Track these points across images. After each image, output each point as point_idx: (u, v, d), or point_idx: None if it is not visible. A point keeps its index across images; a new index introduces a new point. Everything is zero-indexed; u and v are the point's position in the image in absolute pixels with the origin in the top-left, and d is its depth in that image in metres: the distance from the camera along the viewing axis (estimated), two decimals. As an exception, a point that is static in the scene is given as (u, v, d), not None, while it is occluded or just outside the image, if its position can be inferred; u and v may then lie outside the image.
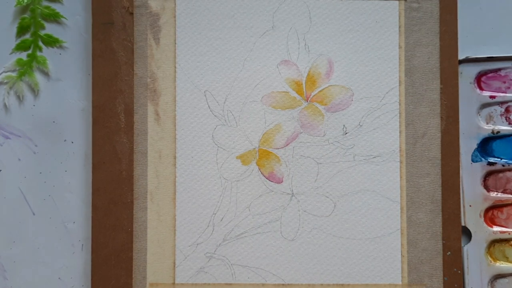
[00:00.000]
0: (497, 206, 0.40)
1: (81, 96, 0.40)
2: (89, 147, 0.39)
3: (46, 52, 0.40)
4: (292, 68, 0.39)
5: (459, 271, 0.38)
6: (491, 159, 0.40)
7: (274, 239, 0.39)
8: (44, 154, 0.40)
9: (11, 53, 0.40)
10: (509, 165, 0.40)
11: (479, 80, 0.40)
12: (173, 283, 0.38)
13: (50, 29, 0.40)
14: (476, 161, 0.40)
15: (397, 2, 0.39)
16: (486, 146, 0.40)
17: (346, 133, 0.39)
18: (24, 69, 0.40)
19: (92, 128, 0.39)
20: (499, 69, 0.40)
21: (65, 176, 0.40)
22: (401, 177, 0.39)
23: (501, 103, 0.40)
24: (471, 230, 0.39)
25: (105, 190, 0.38)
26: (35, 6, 0.40)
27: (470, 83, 0.40)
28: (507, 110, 0.40)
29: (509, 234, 0.39)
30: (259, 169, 0.39)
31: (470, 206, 0.39)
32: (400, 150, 0.39)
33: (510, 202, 0.40)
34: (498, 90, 0.40)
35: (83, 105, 0.40)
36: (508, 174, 0.40)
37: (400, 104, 0.39)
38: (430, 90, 0.39)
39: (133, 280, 0.38)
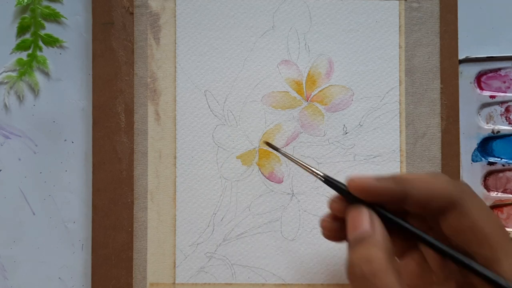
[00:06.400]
0: (497, 206, 0.40)
1: (81, 96, 0.40)
2: (89, 147, 0.39)
3: (46, 52, 0.40)
4: (292, 68, 0.39)
5: (459, 271, 0.38)
6: (491, 159, 0.40)
7: (274, 239, 0.39)
8: (44, 154, 0.40)
9: (11, 53, 0.40)
10: (509, 165, 0.40)
11: (479, 80, 0.40)
12: (174, 283, 0.38)
13: (50, 29, 0.40)
14: (476, 161, 0.40)
15: (397, 2, 0.39)
16: (486, 146, 0.40)
17: (346, 133, 0.39)
18: (24, 69, 0.40)
19: (92, 128, 0.39)
20: (499, 69, 0.40)
21: (65, 176, 0.40)
22: (401, 177, 0.39)
23: (501, 103, 0.40)
24: (471, 230, 0.39)
25: (105, 190, 0.38)
26: (35, 6, 0.40)
27: (470, 83, 0.40)
28: (507, 110, 0.40)
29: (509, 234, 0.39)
30: (259, 169, 0.39)
31: (470, 206, 0.39)
32: (400, 150, 0.39)
33: (510, 202, 0.40)
34: (498, 90, 0.40)
35: (83, 105, 0.40)
36: (508, 174, 0.40)
37: (400, 104, 0.39)
38: (430, 90, 0.39)
39: (133, 280, 0.38)
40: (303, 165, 0.32)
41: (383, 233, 0.27)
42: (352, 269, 0.27)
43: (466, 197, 0.28)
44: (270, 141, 0.39)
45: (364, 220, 0.28)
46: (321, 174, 0.31)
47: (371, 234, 0.27)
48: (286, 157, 0.34)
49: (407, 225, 0.28)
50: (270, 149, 0.38)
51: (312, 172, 0.31)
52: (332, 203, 0.30)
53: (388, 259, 0.26)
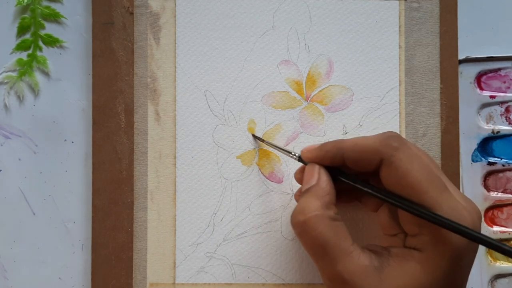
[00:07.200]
0: (497, 206, 0.40)
1: (81, 96, 0.40)
2: (89, 147, 0.39)
3: (46, 52, 0.40)
4: (292, 68, 0.39)
5: (459, 271, 0.38)
6: (491, 159, 0.40)
7: (274, 239, 0.39)
8: (44, 154, 0.40)
9: (11, 53, 0.40)
10: (509, 165, 0.40)
11: (479, 80, 0.40)
12: (173, 283, 0.38)
13: (50, 29, 0.40)
14: (476, 161, 0.40)
15: (397, 2, 0.39)
16: (486, 146, 0.40)
17: (346, 133, 0.39)
18: (24, 69, 0.40)
19: (92, 128, 0.39)
20: (499, 69, 0.40)
21: (65, 176, 0.40)
22: (401, 177, 0.39)
23: (501, 103, 0.40)
24: (471, 230, 0.39)
25: (105, 190, 0.38)
26: (35, 6, 0.40)
27: (470, 83, 0.40)
28: (507, 110, 0.40)
29: (509, 234, 0.39)
30: (259, 169, 0.39)
31: (470, 206, 0.39)
32: (400, 150, 0.39)
33: (510, 202, 0.40)
34: (498, 90, 0.40)
35: (83, 105, 0.40)
36: (508, 174, 0.40)
37: (400, 104, 0.39)
38: (430, 90, 0.39)
39: (133, 280, 0.38)
40: (281, 149, 0.36)
41: (326, 185, 0.31)
42: (292, 217, 0.31)
43: (392, 151, 0.29)
44: (270, 141, 0.39)
45: (312, 174, 0.31)
46: (297, 154, 0.35)
47: (314, 185, 0.31)
48: (270, 146, 0.38)
49: (351, 182, 0.31)
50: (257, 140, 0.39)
51: (289, 155, 0.35)
52: (296, 175, 0.35)
53: (324, 208, 0.30)
